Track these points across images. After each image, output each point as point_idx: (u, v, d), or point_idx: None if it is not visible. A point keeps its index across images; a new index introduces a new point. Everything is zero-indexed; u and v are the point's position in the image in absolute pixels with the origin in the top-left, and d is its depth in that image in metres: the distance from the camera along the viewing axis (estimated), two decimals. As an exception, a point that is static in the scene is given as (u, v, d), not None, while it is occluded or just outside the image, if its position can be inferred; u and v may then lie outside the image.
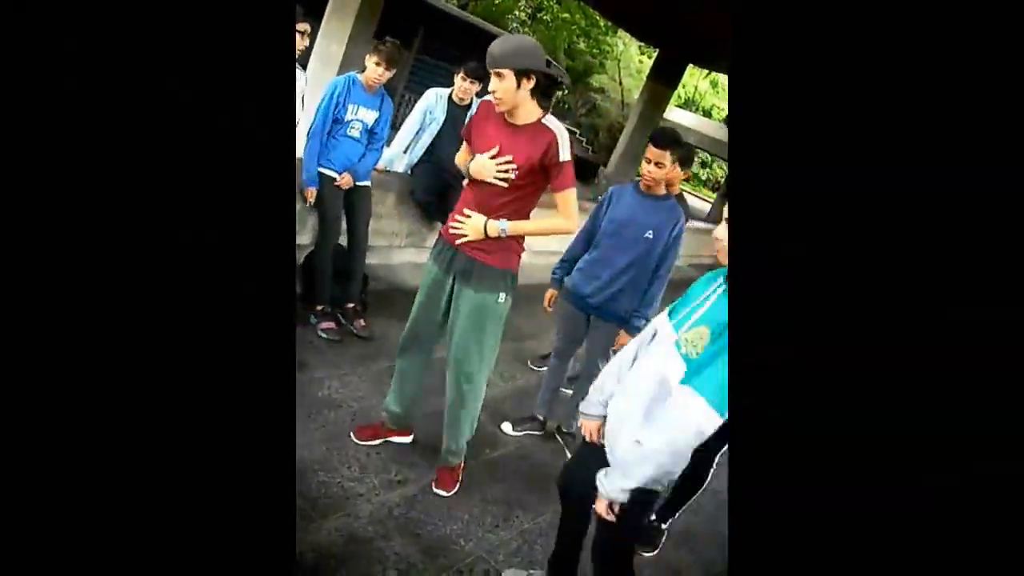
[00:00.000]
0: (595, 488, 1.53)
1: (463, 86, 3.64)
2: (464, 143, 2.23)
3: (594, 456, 1.65)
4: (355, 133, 3.15)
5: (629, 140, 11.48)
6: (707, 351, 1.38)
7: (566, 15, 19.52)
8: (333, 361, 2.96)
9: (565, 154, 2.00)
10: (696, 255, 8.27)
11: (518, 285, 2.20)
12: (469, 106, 3.73)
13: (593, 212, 2.72)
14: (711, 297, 1.46)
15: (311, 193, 3.14)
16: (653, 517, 2.45)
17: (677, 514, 2.45)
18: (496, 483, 2.51)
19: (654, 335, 1.60)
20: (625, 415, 1.53)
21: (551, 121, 2.02)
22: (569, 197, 2.06)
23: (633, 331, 2.53)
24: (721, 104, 23.51)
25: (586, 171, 13.74)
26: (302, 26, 3.25)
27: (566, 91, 20.14)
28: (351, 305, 3.34)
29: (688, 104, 23.04)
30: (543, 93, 2.01)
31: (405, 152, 3.94)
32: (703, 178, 26.06)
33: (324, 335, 3.12)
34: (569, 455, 2.74)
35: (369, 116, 3.16)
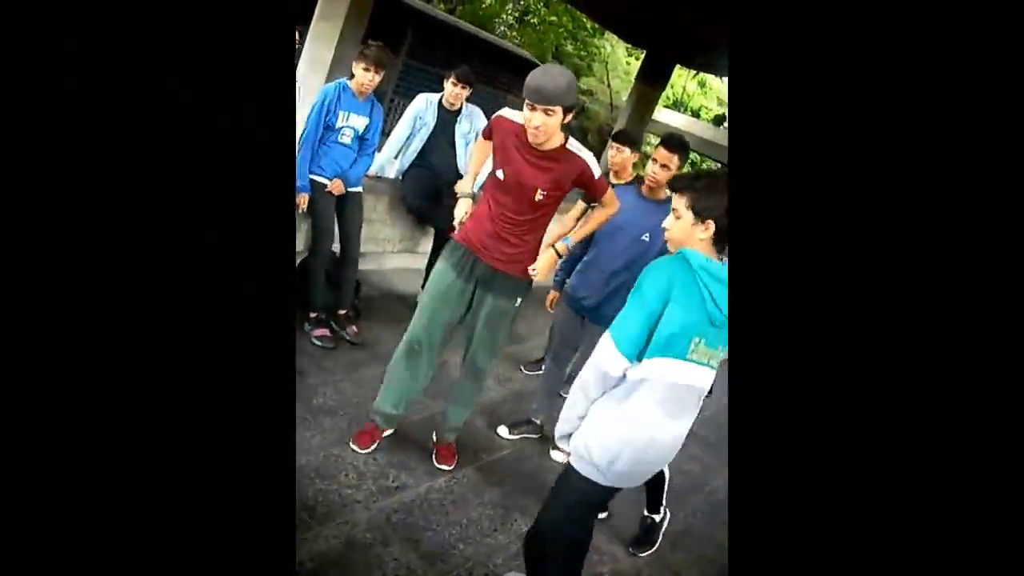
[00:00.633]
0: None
1: (453, 91, 3.64)
2: (482, 139, 2.32)
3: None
4: (346, 140, 3.15)
5: (618, 142, 11.47)
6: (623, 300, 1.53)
7: (553, 18, 19.53)
8: (327, 368, 2.95)
9: (598, 172, 2.17)
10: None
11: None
12: (459, 111, 3.73)
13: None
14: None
15: (303, 200, 3.13)
16: (645, 512, 2.50)
17: (663, 508, 2.49)
18: (493, 487, 2.51)
19: None
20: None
21: (576, 147, 2.11)
22: (611, 192, 2.28)
23: None
24: (709, 104, 23.63)
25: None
26: (291, 31, 3.24)
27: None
28: (344, 312, 3.33)
29: (676, 105, 23.11)
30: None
31: (396, 158, 3.93)
32: (692, 178, 26.02)
33: (318, 342, 3.11)
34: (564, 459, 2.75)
35: (360, 122, 3.16)
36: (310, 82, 5.54)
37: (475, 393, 2.52)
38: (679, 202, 1.53)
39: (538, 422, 2.96)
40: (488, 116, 2.67)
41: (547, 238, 2.32)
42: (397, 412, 2.45)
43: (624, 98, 15.34)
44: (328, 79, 5.43)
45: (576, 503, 1.67)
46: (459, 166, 3.80)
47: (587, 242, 2.71)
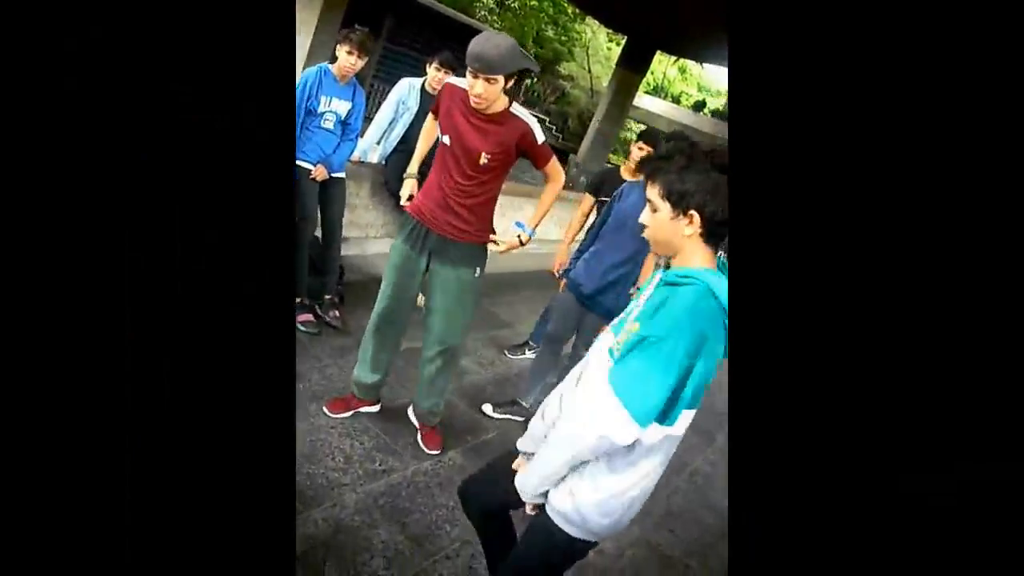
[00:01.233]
0: (495, 501, 1.57)
1: (436, 76, 3.63)
2: (430, 117, 2.35)
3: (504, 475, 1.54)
4: (329, 125, 3.13)
5: (599, 127, 11.52)
6: (627, 343, 1.20)
7: (534, 3, 19.44)
8: (313, 354, 2.96)
9: (541, 137, 2.17)
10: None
11: (495, 275, 2.25)
12: (442, 96, 3.73)
13: (606, 207, 2.81)
14: (646, 291, 1.32)
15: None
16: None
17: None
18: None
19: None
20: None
21: (519, 111, 2.11)
22: (555, 162, 2.28)
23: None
24: (690, 91, 23.69)
25: (557, 159, 13.70)
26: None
27: (535, 79, 20.08)
28: (328, 297, 3.33)
29: (657, 91, 23.15)
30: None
31: (379, 143, 3.91)
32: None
33: (303, 328, 3.11)
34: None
35: (342, 107, 3.14)
36: (289, 67, 5.46)
37: (448, 376, 2.51)
38: (652, 191, 1.28)
39: (525, 405, 3.00)
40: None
41: (530, 223, 2.34)
42: (371, 381, 2.52)
43: (605, 84, 15.33)
44: (307, 65, 5.36)
45: (560, 562, 1.45)
46: (442, 151, 3.80)
47: (596, 234, 2.78)
